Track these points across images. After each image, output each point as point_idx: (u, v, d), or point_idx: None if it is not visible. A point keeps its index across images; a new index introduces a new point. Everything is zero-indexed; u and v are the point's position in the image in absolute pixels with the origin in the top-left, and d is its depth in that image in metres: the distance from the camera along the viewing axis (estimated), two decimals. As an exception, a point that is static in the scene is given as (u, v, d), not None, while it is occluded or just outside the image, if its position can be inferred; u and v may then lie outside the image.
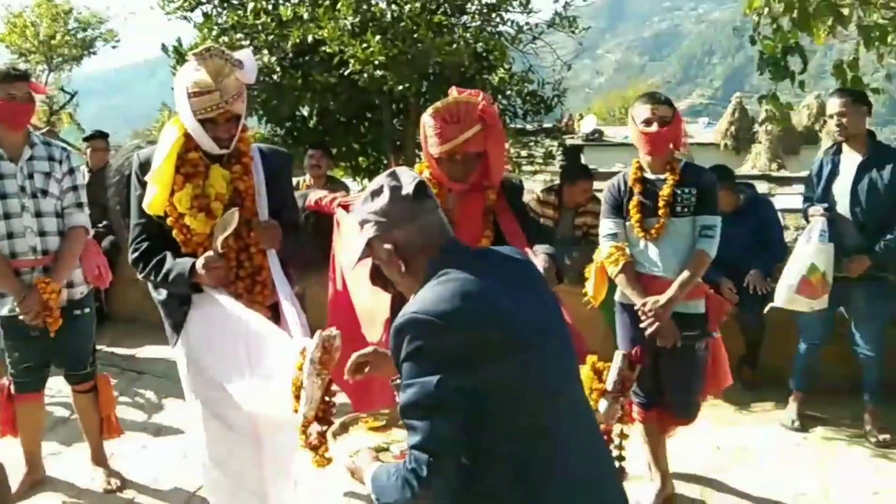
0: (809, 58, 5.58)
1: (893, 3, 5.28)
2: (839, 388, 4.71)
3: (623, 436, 2.34)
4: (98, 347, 5.74)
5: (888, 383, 4.39)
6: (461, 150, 2.82)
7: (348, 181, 7.17)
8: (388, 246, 1.87)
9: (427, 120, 2.84)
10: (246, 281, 2.90)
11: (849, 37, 5.61)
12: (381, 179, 1.92)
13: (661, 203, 3.39)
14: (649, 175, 3.47)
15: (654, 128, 3.32)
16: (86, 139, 7.18)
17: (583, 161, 13.15)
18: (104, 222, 5.86)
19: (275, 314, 2.84)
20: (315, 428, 2.41)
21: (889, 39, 5.27)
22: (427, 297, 1.74)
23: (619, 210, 3.52)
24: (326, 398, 2.40)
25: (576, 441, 1.76)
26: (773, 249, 4.96)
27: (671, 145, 3.40)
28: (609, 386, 2.30)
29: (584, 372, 2.37)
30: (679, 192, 3.38)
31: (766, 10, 5.50)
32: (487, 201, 3.02)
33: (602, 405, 2.31)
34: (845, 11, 5.30)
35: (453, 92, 2.88)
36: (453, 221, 3.00)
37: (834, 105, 4.25)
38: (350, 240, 3.62)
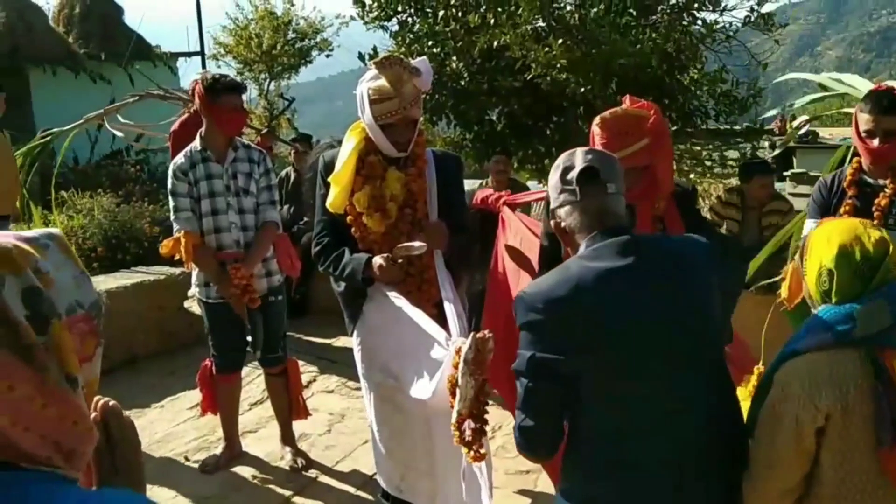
0: None
1: None
2: None
3: None
4: (297, 336, 6.20)
5: None
6: (625, 164, 2.76)
7: (533, 184, 7.22)
8: (553, 220, 1.99)
9: (595, 129, 2.81)
10: (415, 278, 3.04)
11: None
12: (563, 157, 2.00)
13: (875, 212, 3.12)
14: (868, 179, 3.19)
15: (876, 143, 3.03)
16: (292, 141, 7.71)
17: (794, 164, 12.40)
18: (306, 219, 6.16)
19: (440, 312, 2.94)
20: (469, 424, 2.49)
21: None
22: (545, 279, 1.90)
23: (826, 210, 3.26)
24: (480, 397, 2.47)
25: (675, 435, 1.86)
26: None
27: None
28: None
29: (742, 390, 2.27)
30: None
31: None
32: (655, 210, 2.95)
33: None
34: None
35: (626, 102, 2.84)
36: None
37: None
38: (519, 238, 3.67)
